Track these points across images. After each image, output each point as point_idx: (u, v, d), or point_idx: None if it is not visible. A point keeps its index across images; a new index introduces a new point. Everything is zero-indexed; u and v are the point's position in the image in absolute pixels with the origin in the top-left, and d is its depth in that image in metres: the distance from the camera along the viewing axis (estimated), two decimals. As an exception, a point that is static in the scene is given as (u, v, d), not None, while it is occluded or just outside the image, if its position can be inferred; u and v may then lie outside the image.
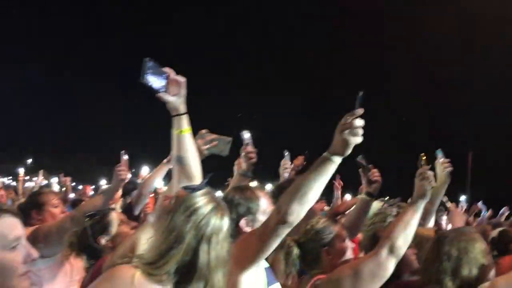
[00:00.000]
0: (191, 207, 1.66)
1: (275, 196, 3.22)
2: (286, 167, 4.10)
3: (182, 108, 2.04)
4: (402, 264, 2.40)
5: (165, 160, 4.38)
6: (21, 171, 9.42)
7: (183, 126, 2.05)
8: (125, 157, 3.18)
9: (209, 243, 1.64)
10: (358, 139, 1.90)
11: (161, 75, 1.95)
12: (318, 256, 2.52)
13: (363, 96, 1.90)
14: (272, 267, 2.59)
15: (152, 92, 1.94)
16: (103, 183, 10.87)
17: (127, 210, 4.40)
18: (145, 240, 1.98)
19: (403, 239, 2.26)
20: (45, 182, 9.03)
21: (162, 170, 4.26)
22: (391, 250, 2.22)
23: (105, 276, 1.64)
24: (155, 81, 1.93)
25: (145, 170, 6.36)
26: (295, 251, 2.53)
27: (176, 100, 2.01)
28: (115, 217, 2.79)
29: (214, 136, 2.66)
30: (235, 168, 3.32)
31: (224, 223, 1.70)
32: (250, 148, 3.25)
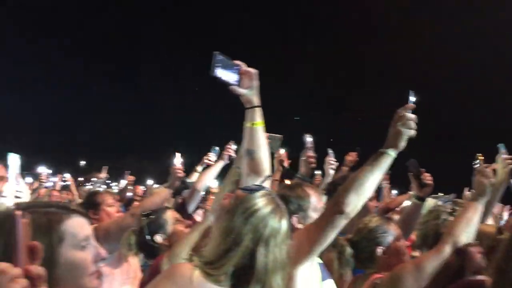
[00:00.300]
0: (249, 208, 1.65)
1: (329, 192, 3.23)
2: (331, 163, 4.12)
3: (256, 100, 2.04)
4: (465, 262, 2.34)
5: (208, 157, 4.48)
6: (68, 175, 9.86)
7: (256, 119, 2.05)
8: (179, 158, 3.28)
9: (267, 245, 1.62)
10: (411, 132, 1.98)
11: (232, 68, 1.95)
12: (372, 255, 2.48)
13: (414, 94, 2.03)
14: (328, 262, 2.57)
15: (224, 85, 1.95)
16: (150, 183, 11.17)
17: (179, 209, 4.48)
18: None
19: (466, 236, 2.22)
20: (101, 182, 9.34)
21: (215, 169, 4.32)
22: (454, 247, 2.19)
23: (165, 274, 1.67)
24: (226, 75, 1.93)
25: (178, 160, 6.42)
26: (348, 250, 2.50)
27: (249, 92, 2.01)
28: (171, 215, 2.84)
29: (266, 134, 2.68)
30: (275, 162, 3.37)
31: (282, 225, 1.67)
32: (310, 153, 3.34)
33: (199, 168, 4.98)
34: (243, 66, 1.99)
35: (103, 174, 7.40)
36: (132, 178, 9.50)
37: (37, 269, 0.84)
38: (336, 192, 2.05)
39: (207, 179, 4.45)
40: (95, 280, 1.35)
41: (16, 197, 2.39)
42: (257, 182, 2.00)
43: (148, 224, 2.74)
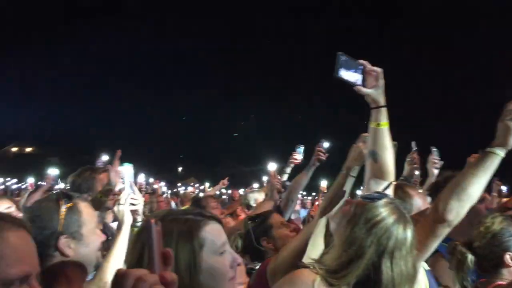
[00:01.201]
0: (372, 219, 1.58)
1: (432, 193, 3.03)
2: (435, 162, 3.95)
3: (381, 100, 1.96)
4: None
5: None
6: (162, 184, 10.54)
7: (382, 119, 1.96)
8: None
9: (392, 258, 1.54)
10: None
11: (356, 68, 1.90)
12: (499, 262, 2.22)
13: None
14: (435, 271, 2.39)
15: (348, 86, 1.90)
16: (256, 185, 11.45)
17: (276, 211, 4.47)
18: (311, 246, 1.97)
19: None
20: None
21: (307, 175, 4.25)
22: None
23: (287, 280, 1.65)
24: (350, 75, 1.88)
25: (271, 166, 6.56)
26: (470, 258, 2.26)
27: (375, 91, 1.94)
28: (276, 219, 2.84)
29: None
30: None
31: (407, 235, 1.58)
32: (415, 155, 3.46)
33: (288, 169, 4.94)
34: (368, 65, 1.92)
35: (225, 181, 7.88)
36: (226, 182, 9.76)
37: (171, 275, 0.86)
38: (438, 197, 1.91)
39: (302, 183, 4.39)
40: (233, 286, 1.37)
41: (132, 204, 2.51)
42: (380, 188, 1.91)
43: (254, 228, 2.76)
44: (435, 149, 4.04)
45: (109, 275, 2.09)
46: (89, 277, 2.22)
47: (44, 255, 1.70)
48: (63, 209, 1.77)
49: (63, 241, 1.73)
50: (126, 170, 2.59)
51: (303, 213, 9.59)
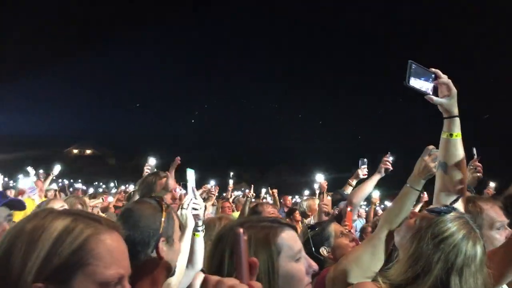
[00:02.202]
0: (440, 234, 1.53)
1: (506, 207, 2.88)
2: None
3: (454, 110, 1.90)
4: None
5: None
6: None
7: (454, 130, 1.90)
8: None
9: (461, 276, 1.48)
10: None
11: (427, 77, 1.87)
12: None
13: None
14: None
15: (419, 95, 1.87)
16: (306, 192, 11.43)
17: (336, 220, 4.43)
18: (369, 259, 1.93)
19: None
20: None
21: (371, 182, 4.20)
22: None
23: None
24: (420, 84, 1.85)
25: (319, 177, 6.60)
26: None
27: (447, 101, 1.88)
28: (336, 228, 2.81)
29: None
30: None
31: (477, 252, 1.52)
32: (477, 162, 3.26)
33: (353, 181, 4.91)
34: (439, 74, 1.87)
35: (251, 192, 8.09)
36: (275, 191, 9.86)
37: (258, 285, 0.87)
38: None
39: (363, 193, 4.33)
40: None
41: (194, 209, 2.58)
42: (449, 201, 1.85)
43: (313, 237, 2.75)
44: None
45: (172, 277, 2.15)
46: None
47: (142, 254, 1.75)
48: (164, 213, 1.84)
49: (161, 243, 1.79)
50: (188, 175, 2.65)
51: (359, 224, 9.38)
